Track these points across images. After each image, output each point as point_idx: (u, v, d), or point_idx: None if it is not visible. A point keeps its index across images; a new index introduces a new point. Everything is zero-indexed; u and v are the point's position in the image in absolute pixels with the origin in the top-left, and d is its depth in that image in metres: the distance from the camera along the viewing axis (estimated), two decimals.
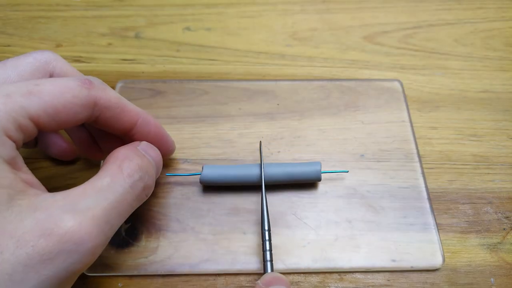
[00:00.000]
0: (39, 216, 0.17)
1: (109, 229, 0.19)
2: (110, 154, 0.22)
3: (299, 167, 0.27)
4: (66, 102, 0.19)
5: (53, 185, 0.28)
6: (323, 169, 0.28)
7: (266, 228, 0.24)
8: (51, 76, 0.23)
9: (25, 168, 0.19)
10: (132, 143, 0.24)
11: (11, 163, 0.18)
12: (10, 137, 0.18)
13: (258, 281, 0.22)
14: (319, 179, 0.28)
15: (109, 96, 0.21)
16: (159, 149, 0.25)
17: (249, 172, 0.27)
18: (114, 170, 0.20)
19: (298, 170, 0.27)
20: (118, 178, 0.20)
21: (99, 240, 0.18)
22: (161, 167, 0.25)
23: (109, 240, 0.20)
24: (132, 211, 0.21)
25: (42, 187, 0.20)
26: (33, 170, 0.29)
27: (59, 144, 0.27)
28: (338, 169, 0.29)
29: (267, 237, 0.24)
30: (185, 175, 0.28)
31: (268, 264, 0.23)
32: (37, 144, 0.27)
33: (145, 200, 0.22)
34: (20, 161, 0.19)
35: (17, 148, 0.19)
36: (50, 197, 0.18)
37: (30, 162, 0.29)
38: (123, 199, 0.20)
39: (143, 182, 0.21)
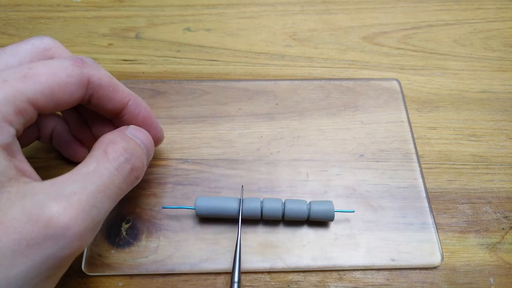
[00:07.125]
0: (26, 203, 0.17)
1: (97, 213, 0.19)
2: (96, 141, 0.22)
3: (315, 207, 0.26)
4: (61, 82, 0.19)
5: None
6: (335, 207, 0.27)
7: (236, 280, 0.23)
8: None
9: (20, 155, 0.19)
10: (120, 128, 0.24)
11: (7, 149, 0.18)
12: (9, 122, 0.18)
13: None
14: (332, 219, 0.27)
15: (101, 74, 0.22)
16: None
17: (244, 207, 0.26)
18: (100, 155, 0.20)
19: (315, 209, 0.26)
20: (103, 162, 0.20)
21: (86, 224, 0.18)
22: (153, 149, 0.25)
23: (100, 224, 0.20)
24: (124, 194, 0.21)
25: (37, 176, 0.19)
26: (44, 167, 0.29)
27: (73, 145, 0.27)
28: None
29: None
30: (180, 208, 0.27)
31: None
32: (52, 141, 0.27)
33: (136, 183, 0.22)
34: (16, 148, 0.19)
35: (17, 134, 0.19)
36: (38, 184, 0.18)
37: (42, 159, 0.29)
38: (110, 182, 0.20)
39: (130, 164, 0.21)
